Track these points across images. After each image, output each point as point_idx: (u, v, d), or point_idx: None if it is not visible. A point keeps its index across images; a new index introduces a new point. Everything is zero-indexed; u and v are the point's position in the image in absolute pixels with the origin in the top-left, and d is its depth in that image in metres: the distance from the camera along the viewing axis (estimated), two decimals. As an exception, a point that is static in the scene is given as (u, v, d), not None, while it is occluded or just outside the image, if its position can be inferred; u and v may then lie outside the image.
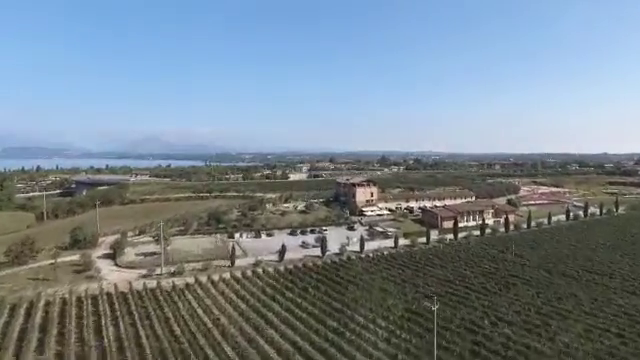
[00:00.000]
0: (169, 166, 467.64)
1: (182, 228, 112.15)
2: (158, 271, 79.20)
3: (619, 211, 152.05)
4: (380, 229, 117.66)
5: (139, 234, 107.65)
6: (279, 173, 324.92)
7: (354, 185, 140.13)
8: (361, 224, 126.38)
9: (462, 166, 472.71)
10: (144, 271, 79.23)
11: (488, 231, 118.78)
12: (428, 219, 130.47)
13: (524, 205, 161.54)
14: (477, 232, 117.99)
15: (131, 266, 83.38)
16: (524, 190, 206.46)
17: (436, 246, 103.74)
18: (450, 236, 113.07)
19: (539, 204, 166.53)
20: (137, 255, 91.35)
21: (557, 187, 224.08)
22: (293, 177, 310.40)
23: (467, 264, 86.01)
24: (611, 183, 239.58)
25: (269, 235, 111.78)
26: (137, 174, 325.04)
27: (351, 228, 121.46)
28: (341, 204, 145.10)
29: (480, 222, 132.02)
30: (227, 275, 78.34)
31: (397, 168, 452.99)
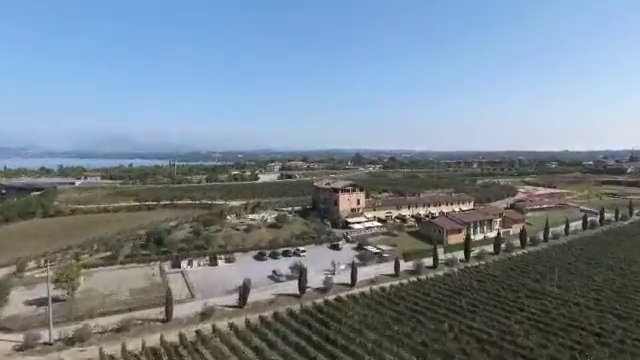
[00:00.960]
0: (131, 165, 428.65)
1: (110, 253, 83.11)
2: (46, 337, 50.79)
3: (633, 215, 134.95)
4: (373, 248, 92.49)
5: (45, 264, 77.65)
6: (248, 174, 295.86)
7: (336, 191, 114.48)
8: (347, 240, 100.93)
9: (439, 164, 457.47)
10: (22, 337, 50.51)
11: (502, 246, 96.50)
12: (427, 231, 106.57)
13: (529, 210, 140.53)
14: (489, 248, 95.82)
15: (7, 327, 54.39)
16: (520, 192, 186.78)
17: (449, 274, 79.62)
18: (459, 254, 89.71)
19: (544, 209, 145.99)
20: (28, 304, 62.25)
21: (549, 188, 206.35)
22: (263, 178, 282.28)
23: (503, 305, 61.91)
24: (605, 183, 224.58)
25: (229, 261, 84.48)
26: (87, 176, 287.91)
27: (335, 246, 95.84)
28: (321, 214, 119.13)
29: (488, 234, 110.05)
30: (156, 340, 50.99)
31: (373, 167, 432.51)
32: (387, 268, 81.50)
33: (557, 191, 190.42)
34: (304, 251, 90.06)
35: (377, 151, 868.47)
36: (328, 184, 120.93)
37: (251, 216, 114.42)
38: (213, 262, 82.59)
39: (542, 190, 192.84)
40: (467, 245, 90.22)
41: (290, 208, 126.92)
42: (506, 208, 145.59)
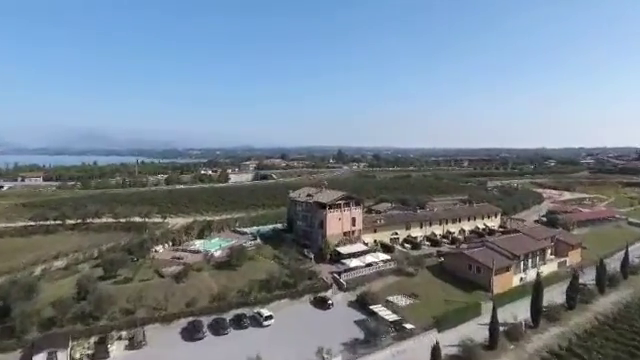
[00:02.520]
0: (95, 163, 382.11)
1: None
2: None
3: None
4: (384, 311, 56.12)
5: None
6: (217, 173, 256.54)
7: (323, 207, 77.92)
8: (340, 287, 64.70)
9: (428, 163, 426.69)
10: None
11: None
12: (459, 268, 71.29)
13: (573, 225, 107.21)
14: (553, 295, 62.24)
15: None
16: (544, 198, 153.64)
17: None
18: (519, 311, 55.76)
19: (587, 222, 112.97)
20: None
21: (569, 191, 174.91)
22: (234, 178, 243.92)
23: None
24: (627, 184, 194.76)
25: (133, 345, 47.12)
26: (24, 177, 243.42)
27: (322, 302, 59.52)
28: (300, 239, 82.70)
29: (542, 268, 75.99)
30: None
31: (357, 165, 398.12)
32: (415, 353, 46.26)
33: (583, 196, 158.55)
34: (270, 317, 53.32)
35: (358, 148, 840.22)
36: (310, 196, 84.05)
37: (195, 245, 76.93)
38: (101, 351, 45.10)
39: (568, 195, 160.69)
40: (538, 300, 55.43)
41: (256, 228, 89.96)
42: (540, 222, 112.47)
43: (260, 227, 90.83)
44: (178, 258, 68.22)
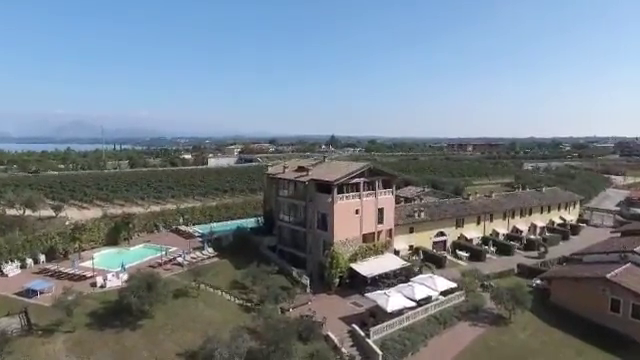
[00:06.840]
0: (69, 149, 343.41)
1: None
2: None
3: None
4: None
5: None
6: (192, 158, 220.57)
7: (327, 189, 42.84)
8: (367, 359, 29.79)
9: (431, 147, 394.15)
10: None
11: None
12: (582, 303, 36.58)
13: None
14: None
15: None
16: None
17: None
18: None
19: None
20: None
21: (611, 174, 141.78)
22: (214, 162, 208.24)
23: None
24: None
25: None
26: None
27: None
28: (283, 246, 47.42)
29: None
30: None
31: (353, 150, 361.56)
32: None
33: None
34: None
35: (347, 137, 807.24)
36: (303, 170, 48.29)
37: (94, 258, 41.44)
38: None
39: (630, 179, 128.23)
40: None
41: (210, 227, 54.61)
42: (624, 215, 79.15)
43: (216, 225, 55.37)
44: (29, 293, 32.78)
